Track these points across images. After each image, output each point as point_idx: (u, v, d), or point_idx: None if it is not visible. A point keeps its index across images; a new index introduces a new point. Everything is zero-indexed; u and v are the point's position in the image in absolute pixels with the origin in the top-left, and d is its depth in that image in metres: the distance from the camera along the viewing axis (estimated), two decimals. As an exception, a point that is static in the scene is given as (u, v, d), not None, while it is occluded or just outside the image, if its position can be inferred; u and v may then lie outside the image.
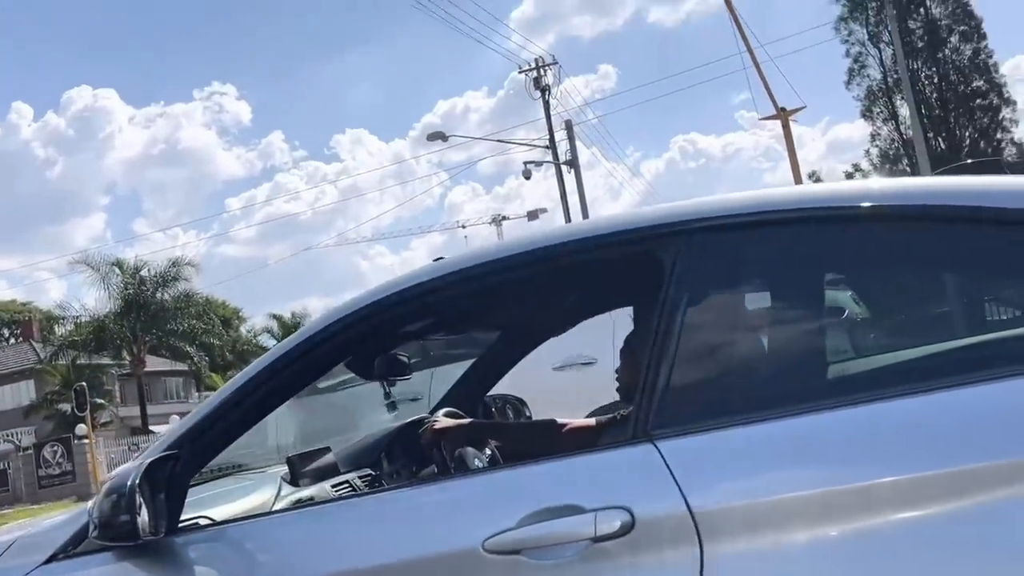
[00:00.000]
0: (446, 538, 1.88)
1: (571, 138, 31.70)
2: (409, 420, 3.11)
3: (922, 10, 34.14)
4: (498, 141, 34.23)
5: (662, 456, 1.78)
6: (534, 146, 31.90)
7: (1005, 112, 33.82)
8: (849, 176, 35.89)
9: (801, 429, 1.76)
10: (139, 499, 1.96)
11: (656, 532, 1.72)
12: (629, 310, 2.84)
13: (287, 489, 2.75)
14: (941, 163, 28.13)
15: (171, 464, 2.07)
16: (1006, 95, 33.98)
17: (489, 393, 3.53)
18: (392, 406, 3.17)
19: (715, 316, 2.01)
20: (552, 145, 31.58)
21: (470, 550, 1.79)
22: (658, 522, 1.73)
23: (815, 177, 35.35)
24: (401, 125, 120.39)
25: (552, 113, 31.82)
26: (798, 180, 25.78)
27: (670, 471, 1.75)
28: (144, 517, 1.96)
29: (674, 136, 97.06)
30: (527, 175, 32.20)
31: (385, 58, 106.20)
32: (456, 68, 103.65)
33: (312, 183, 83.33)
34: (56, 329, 42.75)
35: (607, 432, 2.58)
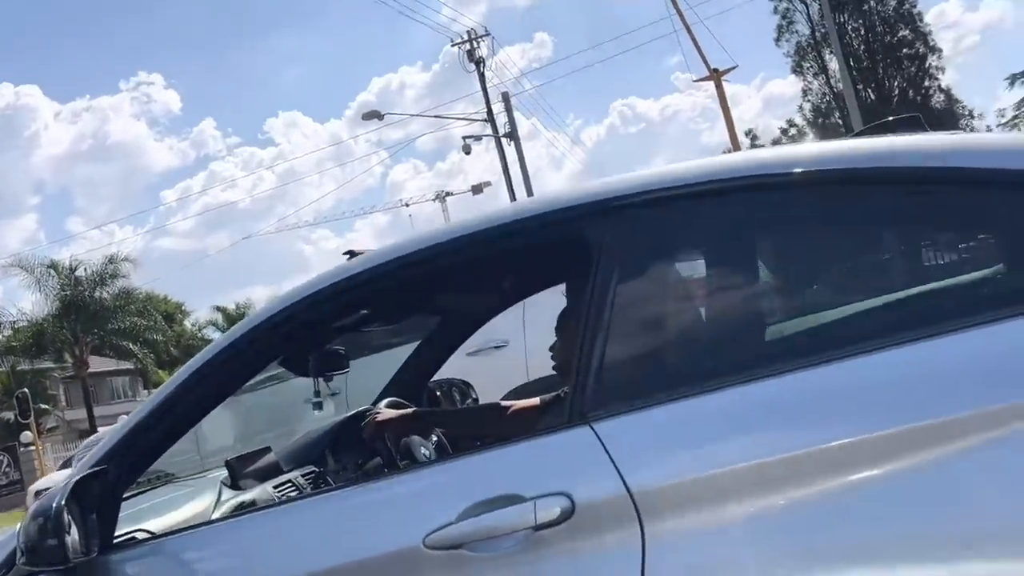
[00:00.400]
0: (389, 537, 1.85)
1: (509, 110, 31.50)
2: (352, 413, 3.08)
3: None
4: (435, 117, 33.84)
5: (599, 438, 1.76)
6: (472, 120, 31.69)
7: (931, 60, 34.40)
8: (784, 132, 36.34)
9: (737, 399, 1.75)
10: (67, 519, 1.89)
11: (596, 516, 1.72)
12: (562, 288, 2.84)
13: (228, 493, 2.69)
14: (872, 114, 28.50)
15: (100, 480, 2.01)
16: (931, 43, 34.60)
17: (433, 379, 3.50)
18: (319, 405, 3.12)
19: (645, 292, 1.99)
20: (491, 118, 31.37)
21: (412, 548, 1.78)
22: (598, 506, 1.72)
23: (751, 134, 35.69)
24: (336, 105, 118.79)
25: (488, 85, 31.61)
26: (734, 139, 26.04)
27: (607, 453, 1.74)
28: (74, 537, 1.90)
29: (613, 101, 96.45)
30: (467, 150, 32.21)
31: (315, 37, 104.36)
32: (388, 44, 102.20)
33: (248, 169, 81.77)
34: (-8, 335, 41.85)
35: (549, 413, 2.57)
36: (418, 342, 3.58)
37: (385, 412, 2.92)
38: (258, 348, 2.24)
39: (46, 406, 37.81)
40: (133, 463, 2.12)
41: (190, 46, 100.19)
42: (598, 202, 2.04)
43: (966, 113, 35.30)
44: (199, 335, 55.96)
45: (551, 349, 2.84)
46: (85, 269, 35.54)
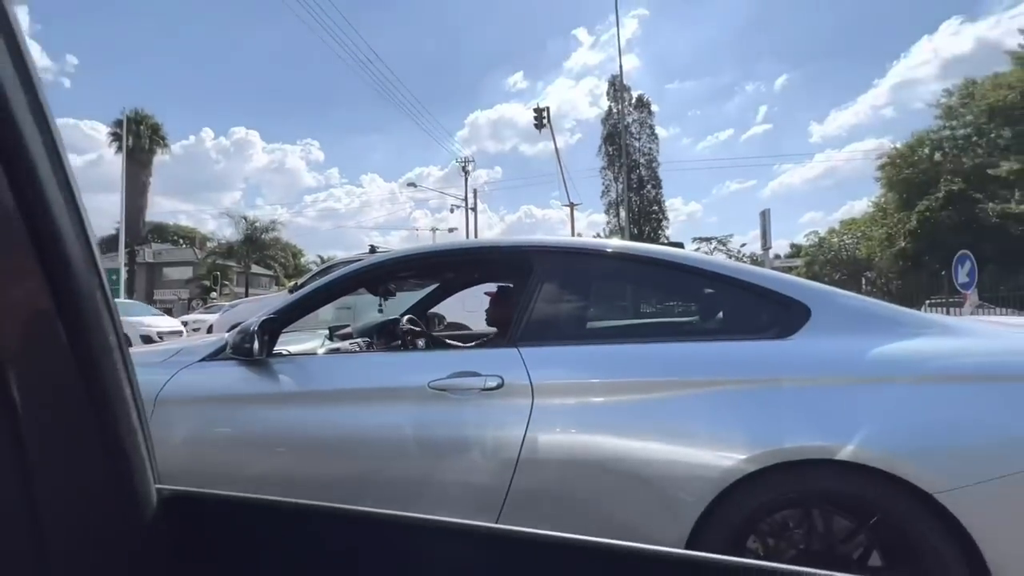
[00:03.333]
0: (409, 378, 1.74)
1: (475, 198, 31.34)
2: (389, 318, 2.94)
3: (638, 170, 35.29)
4: (440, 192, 33.39)
5: (520, 354, 1.68)
6: (457, 198, 31.66)
7: (664, 223, 35.57)
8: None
9: (583, 351, 1.68)
10: (254, 336, 1.78)
11: (514, 390, 1.62)
12: (493, 285, 2.75)
13: (327, 343, 2.56)
14: (634, 239, 29.23)
15: (272, 321, 1.88)
16: (666, 215, 35.79)
17: (430, 311, 3.37)
18: (381, 310, 2.95)
19: (550, 294, 1.86)
20: (465, 200, 31.17)
21: (421, 387, 1.68)
22: (516, 385, 1.63)
23: (580, 236, 35.79)
24: (396, 173, 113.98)
25: (468, 184, 31.42)
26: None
27: (523, 362, 1.66)
28: (256, 346, 1.78)
29: (522, 205, 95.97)
30: (452, 211, 32.76)
31: (394, 139, 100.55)
32: (424, 152, 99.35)
33: (348, 196, 77.83)
34: (207, 244, 39.19)
35: (490, 341, 2.47)
36: (425, 292, 3.38)
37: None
38: (358, 280, 2.09)
39: (227, 283, 35.43)
40: (288, 318, 1.97)
41: (335, 131, 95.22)
42: (534, 247, 1.93)
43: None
44: (306, 266, 53.43)
45: (487, 312, 2.72)
46: (259, 223, 33.61)
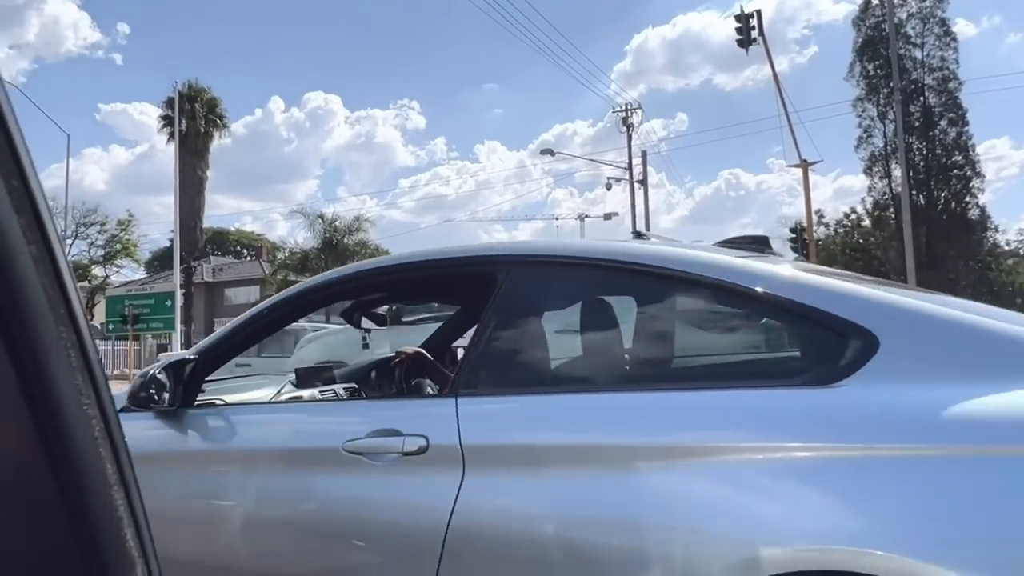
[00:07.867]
0: (323, 438, 2.02)
1: (644, 164, 31.53)
2: (385, 356, 3.27)
3: (921, 98, 32.02)
4: (591, 160, 33.92)
5: (456, 407, 1.84)
6: (616, 167, 31.83)
7: (975, 182, 31.61)
8: (845, 215, 34.23)
9: (541, 403, 1.84)
10: (161, 383, 2.16)
11: (441, 454, 1.80)
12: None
13: (289, 388, 2.88)
14: (918, 215, 26.64)
15: (189, 364, 2.26)
16: (978, 170, 31.71)
17: (455, 343, 3.65)
18: (366, 345, 3.27)
19: (506, 323, 1.99)
20: (629, 168, 31.44)
21: (335, 448, 1.93)
22: (443, 448, 1.81)
23: (819, 213, 33.67)
24: (525, 139, 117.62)
25: (633, 144, 31.54)
26: (809, 215, 25.00)
27: (457, 417, 1.82)
28: (163, 395, 2.17)
29: (722, 170, 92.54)
30: (609, 187, 32.33)
31: (520, 91, 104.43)
32: (572, 101, 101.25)
33: (459, 176, 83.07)
34: (277, 254, 44.72)
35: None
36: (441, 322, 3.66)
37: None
38: (310, 300, 2.40)
39: (299, 306, 39.62)
40: (212, 360, 2.36)
41: (437, 86, 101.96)
42: (486, 257, 2.12)
43: (992, 227, 32.62)
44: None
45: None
46: (340, 222, 37.42)
